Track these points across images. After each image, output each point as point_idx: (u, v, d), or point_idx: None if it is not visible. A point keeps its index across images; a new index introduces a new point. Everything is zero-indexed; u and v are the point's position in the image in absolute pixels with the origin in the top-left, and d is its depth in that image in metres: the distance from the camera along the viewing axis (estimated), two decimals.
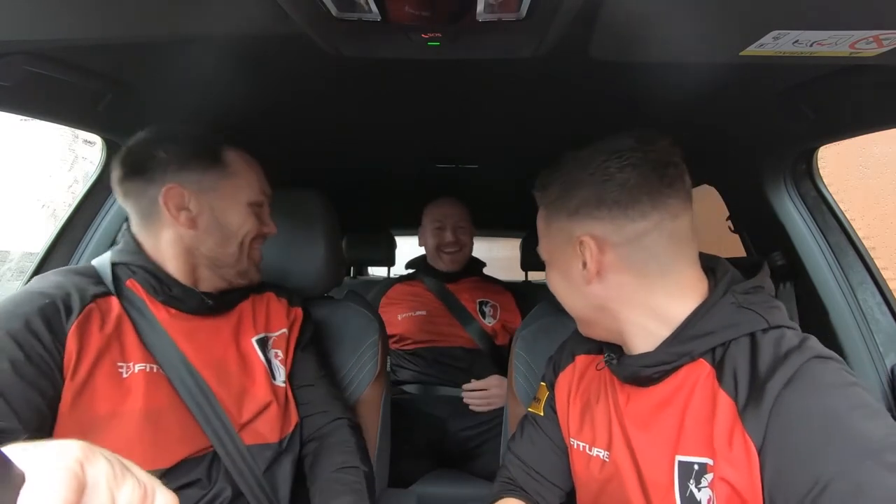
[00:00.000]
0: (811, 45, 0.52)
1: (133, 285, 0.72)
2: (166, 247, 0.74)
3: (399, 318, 1.53)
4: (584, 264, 0.58)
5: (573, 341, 0.76)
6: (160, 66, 0.74)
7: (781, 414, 0.47)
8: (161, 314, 0.72)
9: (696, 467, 0.53)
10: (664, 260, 0.56)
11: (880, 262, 0.94)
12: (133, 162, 0.74)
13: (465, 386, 1.39)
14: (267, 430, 0.77)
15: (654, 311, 0.57)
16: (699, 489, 0.52)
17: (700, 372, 0.55)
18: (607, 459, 0.62)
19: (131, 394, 0.66)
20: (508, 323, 1.55)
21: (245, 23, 0.55)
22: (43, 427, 0.59)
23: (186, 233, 0.74)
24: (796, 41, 0.51)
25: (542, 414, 0.76)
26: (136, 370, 0.67)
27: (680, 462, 0.54)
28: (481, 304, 1.56)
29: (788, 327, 0.54)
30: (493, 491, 0.75)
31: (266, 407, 0.78)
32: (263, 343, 0.83)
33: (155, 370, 0.69)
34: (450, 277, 1.58)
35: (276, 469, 0.76)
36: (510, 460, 0.76)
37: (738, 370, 0.52)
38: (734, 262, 0.61)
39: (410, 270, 1.67)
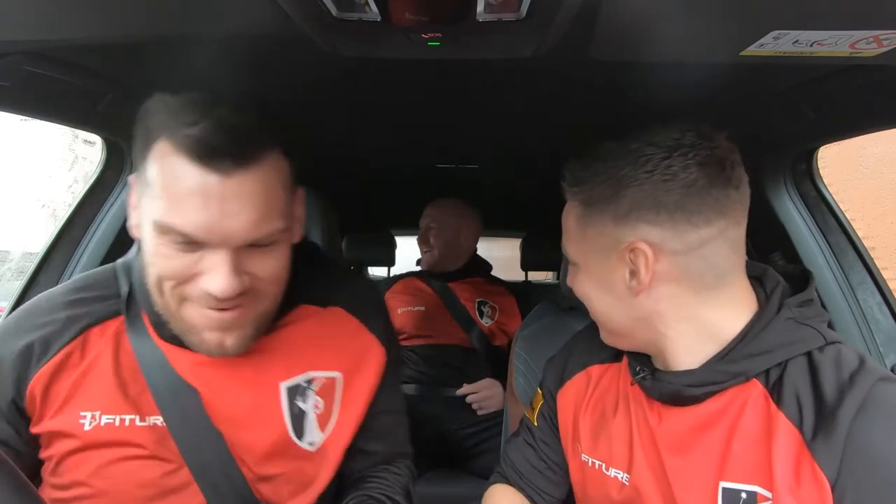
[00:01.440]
0: (811, 45, 0.52)
1: (145, 317, 0.59)
2: None
3: (399, 311, 1.56)
4: (633, 273, 0.52)
5: (581, 350, 0.71)
6: (160, 66, 0.74)
7: (859, 448, 0.43)
8: (172, 350, 0.58)
9: (743, 496, 0.48)
10: (722, 270, 0.51)
11: (880, 262, 0.94)
12: None
13: (460, 391, 1.42)
14: (277, 496, 0.61)
15: (702, 325, 0.52)
16: None
17: (750, 392, 0.50)
18: (627, 483, 0.57)
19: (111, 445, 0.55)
20: (505, 325, 1.55)
21: (245, 23, 0.55)
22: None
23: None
24: (796, 41, 0.51)
25: (535, 424, 0.73)
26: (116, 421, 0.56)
27: (725, 489, 0.49)
28: (480, 304, 1.57)
29: (840, 342, 0.50)
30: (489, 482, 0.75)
31: (272, 474, 0.60)
32: (297, 391, 0.61)
33: (159, 423, 0.57)
34: (452, 276, 1.59)
35: None
36: (504, 460, 0.75)
37: (801, 393, 0.47)
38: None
39: (418, 268, 1.71)
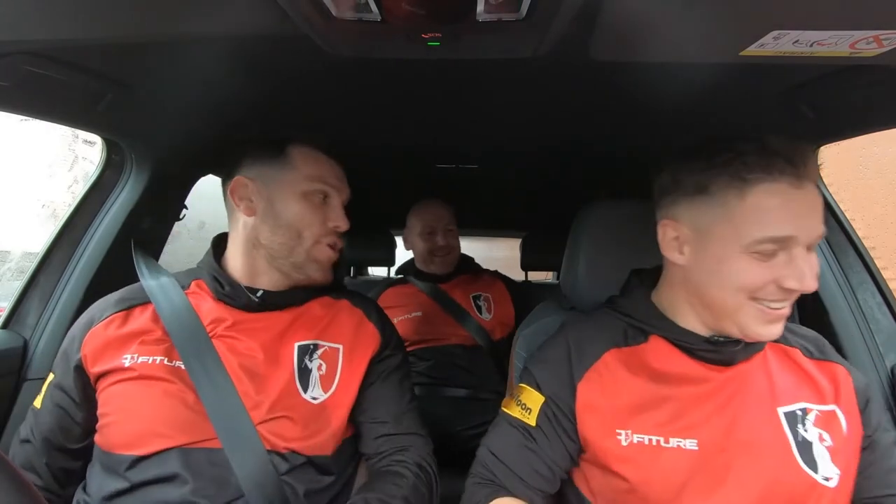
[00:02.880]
0: (811, 45, 0.52)
1: (199, 284, 0.81)
2: (234, 238, 0.82)
3: (395, 321, 1.52)
4: None
5: (587, 340, 0.72)
6: (160, 66, 0.74)
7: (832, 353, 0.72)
8: (215, 308, 0.78)
9: (798, 413, 0.64)
10: None
11: (880, 262, 0.94)
12: (220, 162, 0.84)
13: None
14: (280, 437, 0.71)
15: None
16: (807, 431, 0.63)
17: (764, 346, 0.70)
18: (696, 447, 0.63)
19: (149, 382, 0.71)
20: (504, 317, 1.54)
21: (245, 23, 0.55)
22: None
23: (248, 220, 0.80)
24: (796, 41, 0.51)
25: (533, 424, 0.70)
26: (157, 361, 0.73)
27: (785, 413, 0.64)
28: (475, 298, 1.55)
29: None
30: (472, 493, 0.70)
31: (278, 415, 0.72)
32: (307, 351, 0.78)
33: (179, 365, 0.72)
34: (441, 278, 1.57)
35: (292, 479, 0.70)
36: (491, 461, 0.71)
37: (794, 339, 0.72)
38: None
39: (400, 276, 1.66)
